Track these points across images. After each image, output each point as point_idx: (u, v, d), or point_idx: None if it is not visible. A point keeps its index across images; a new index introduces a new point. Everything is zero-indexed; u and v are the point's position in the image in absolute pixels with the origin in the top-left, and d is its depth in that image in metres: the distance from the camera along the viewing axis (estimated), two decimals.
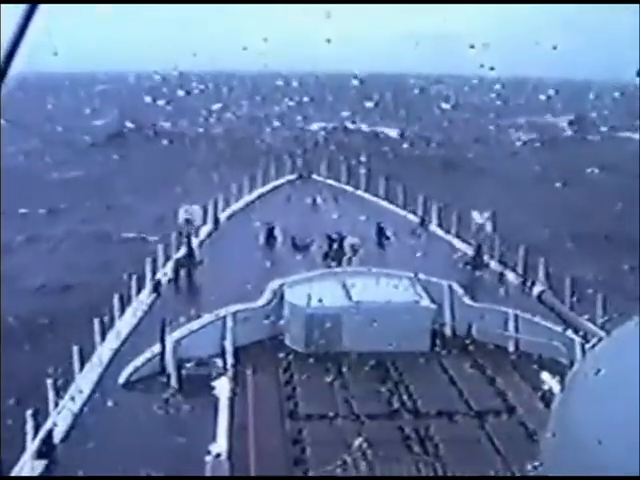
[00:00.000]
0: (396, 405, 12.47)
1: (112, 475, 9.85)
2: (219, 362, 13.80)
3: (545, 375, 12.65)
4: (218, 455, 9.92)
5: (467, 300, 15.89)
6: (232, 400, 12.28)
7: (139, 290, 18.40)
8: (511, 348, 14.83)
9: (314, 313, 14.72)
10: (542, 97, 79.33)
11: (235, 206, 27.32)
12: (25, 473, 10.64)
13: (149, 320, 15.86)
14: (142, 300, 17.65)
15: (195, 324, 14.38)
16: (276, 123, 65.29)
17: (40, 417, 11.99)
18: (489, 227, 20.93)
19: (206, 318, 14.58)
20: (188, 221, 20.49)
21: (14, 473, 10.70)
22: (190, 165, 43.66)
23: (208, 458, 9.79)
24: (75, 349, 14.41)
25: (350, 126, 74.00)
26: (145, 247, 26.01)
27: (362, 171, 30.85)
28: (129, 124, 78.74)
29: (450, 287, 16.06)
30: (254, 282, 16.22)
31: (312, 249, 21.04)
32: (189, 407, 12.26)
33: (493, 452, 10.90)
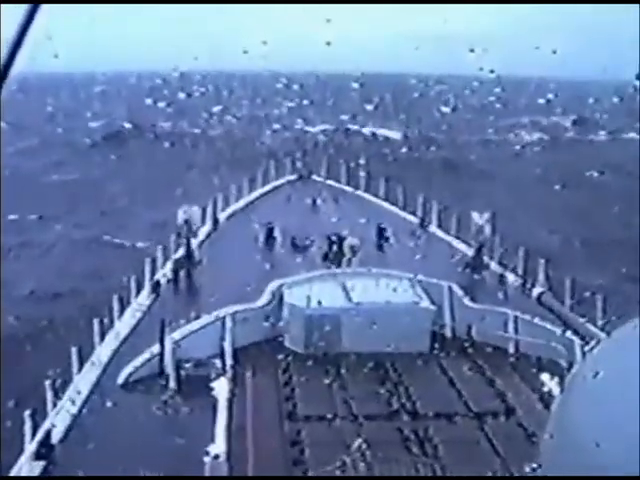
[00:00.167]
0: (395, 406, 12.45)
1: (111, 475, 9.84)
2: (218, 363, 13.78)
3: (545, 377, 12.63)
4: (217, 456, 9.89)
5: (467, 301, 15.87)
6: (231, 401, 12.27)
7: (138, 291, 18.38)
8: (511, 349, 14.81)
9: (313, 314, 14.70)
10: (541, 101, 79.23)
11: (234, 206, 27.29)
12: (23, 474, 10.62)
13: (148, 321, 15.84)
14: (141, 301, 17.63)
15: (194, 325, 14.36)
16: (276, 125, 65.28)
17: (38, 418, 11.97)
18: (489, 228, 20.92)
19: (205, 319, 14.57)
20: (187, 222, 20.46)
21: (13, 474, 10.69)
22: (190, 167, 43.32)
23: (207, 459, 9.76)
24: (74, 350, 14.39)
25: (351, 127, 73.94)
26: (136, 254, 25.73)
27: (362, 173, 30.77)
28: (129, 125, 78.76)
29: (450, 288, 16.05)
30: (253, 283, 16.20)
31: (312, 250, 21.02)
32: (188, 408, 12.25)
33: (492, 454, 10.88)
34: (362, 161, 32.76)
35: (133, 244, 33.05)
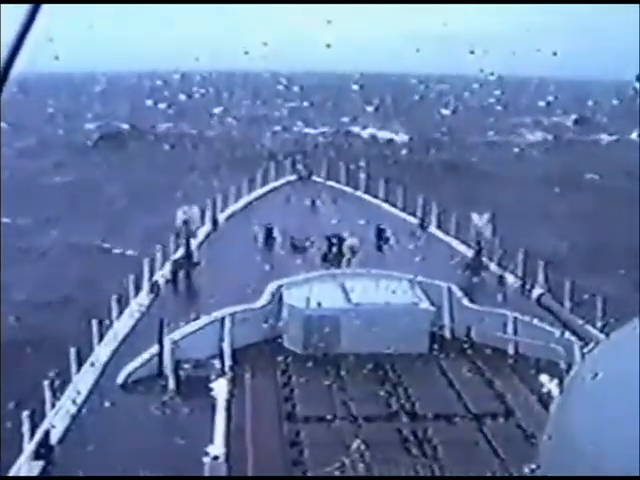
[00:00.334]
0: (394, 407, 12.44)
1: (110, 475, 9.83)
2: (217, 364, 13.76)
3: (544, 378, 12.62)
4: (216, 457, 9.87)
5: (466, 302, 15.86)
6: (230, 402, 12.25)
7: (137, 292, 18.36)
8: (510, 351, 14.80)
9: (312, 315, 14.69)
10: (542, 103, 79.11)
11: (234, 207, 27.26)
12: (22, 474, 10.61)
13: (147, 321, 15.82)
14: (140, 301, 17.61)
15: (193, 325, 14.34)
16: (276, 127, 65.26)
17: (37, 418, 11.96)
18: (489, 230, 20.90)
19: (204, 319, 14.55)
20: (186, 222, 20.44)
21: (11, 474, 10.68)
22: (190, 169, 42.57)
23: (206, 460, 9.75)
24: (72, 350, 14.37)
25: (352, 130, 73.67)
26: (126, 261, 25.08)
27: (362, 175, 30.71)
28: (129, 127, 78.66)
29: (449, 289, 16.04)
30: (252, 283, 16.19)
31: (311, 250, 21.01)
32: (187, 409, 12.23)
33: (491, 455, 10.88)
34: (362, 163, 32.76)
35: (123, 252, 31.99)
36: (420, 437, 11.38)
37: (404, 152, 60.34)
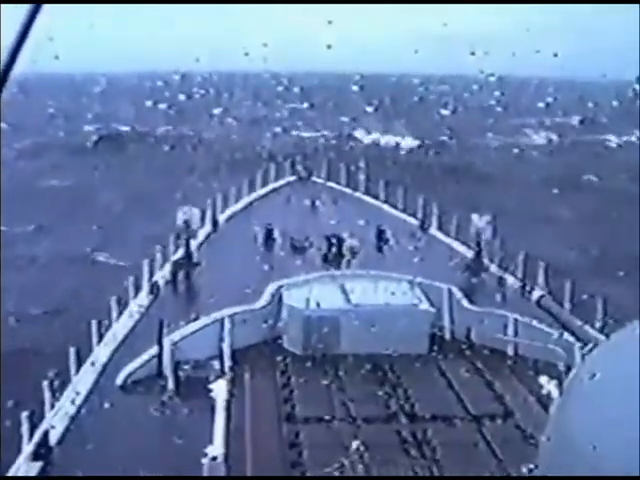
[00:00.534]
0: (394, 408, 12.43)
1: (109, 476, 9.83)
2: (217, 364, 13.75)
3: (544, 379, 12.62)
4: (215, 458, 9.87)
5: (466, 304, 15.85)
6: (229, 403, 12.24)
7: (136, 292, 18.36)
8: (510, 352, 14.79)
9: (312, 316, 14.68)
10: (541, 105, 78.77)
11: (234, 208, 27.26)
12: (21, 475, 10.60)
13: (146, 322, 15.82)
14: (140, 302, 17.61)
15: (193, 326, 14.34)
16: (277, 128, 65.12)
17: (36, 419, 11.95)
18: (490, 231, 20.90)
19: (204, 320, 14.54)
20: (186, 223, 20.44)
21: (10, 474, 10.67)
22: (190, 171, 42.06)
23: (205, 460, 9.74)
24: (72, 350, 14.37)
25: (353, 133, 73.33)
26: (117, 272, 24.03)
27: (362, 177, 30.63)
28: (129, 128, 78.56)
29: (449, 291, 16.03)
30: (252, 284, 16.19)
31: (311, 251, 21.00)
32: (186, 409, 12.23)
33: (490, 456, 10.87)
34: (362, 164, 32.68)
35: (116, 263, 30.55)
36: (419, 438, 11.37)
37: (410, 154, 59.51)
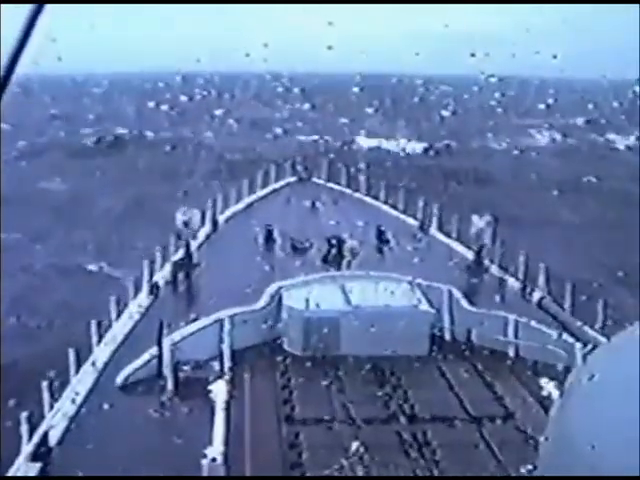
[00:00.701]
0: (393, 410, 12.41)
1: (109, 476, 9.82)
2: (216, 365, 13.74)
3: (544, 381, 12.61)
4: (214, 459, 9.85)
5: (466, 305, 15.82)
6: (229, 403, 12.23)
7: (136, 293, 18.35)
8: (510, 353, 14.77)
9: (312, 317, 14.66)
10: (541, 106, 78.58)
11: (234, 208, 27.26)
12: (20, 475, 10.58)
13: (146, 322, 15.81)
14: (139, 303, 17.60)
15: (193, 327, 14.32)
16: (277, 130, 65.09)
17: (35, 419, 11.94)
18: (490, 232, 20.88)
19: (204, 321, 14.53)
20: (186, 224, 20.44)
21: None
22: (190, 173, 41.71)
23: (204, 461, 9.73)
24: (71, 351, 14.36)
25: (354, 137, 73.12)
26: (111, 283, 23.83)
27: (362, 177, 30.60)
28: (129, 130, 78.53)
29: (449, 292, 16.01)
30: (252, 285, 16.18)
31: (311, 252, 21.00)
32: (185, 410, 12.22)
33: (491, 457, 10.85)
34: (362, 165, 32.67)
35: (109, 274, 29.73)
36: (419, 440, 11.35)
37: (412, 157, 58.91)
